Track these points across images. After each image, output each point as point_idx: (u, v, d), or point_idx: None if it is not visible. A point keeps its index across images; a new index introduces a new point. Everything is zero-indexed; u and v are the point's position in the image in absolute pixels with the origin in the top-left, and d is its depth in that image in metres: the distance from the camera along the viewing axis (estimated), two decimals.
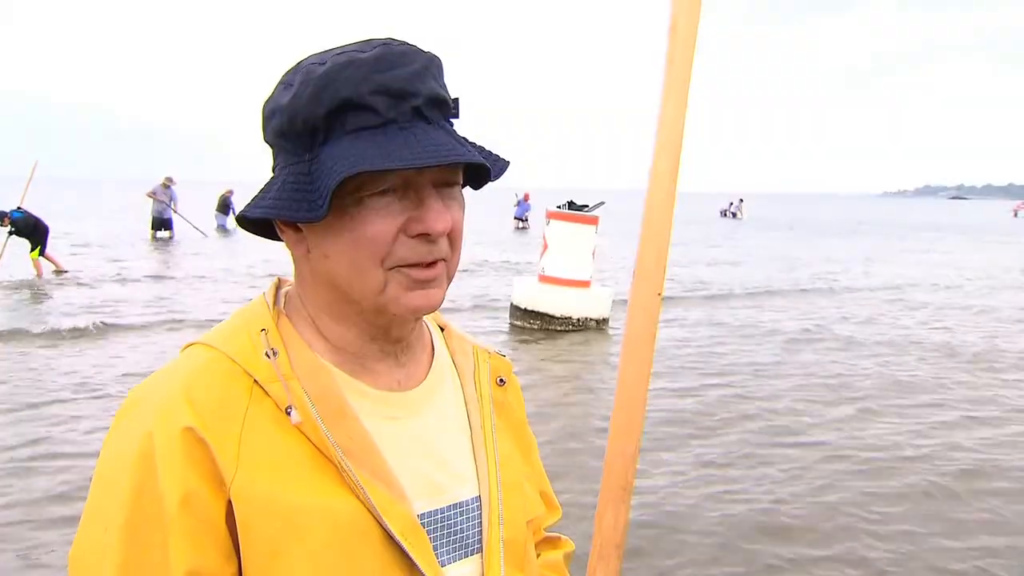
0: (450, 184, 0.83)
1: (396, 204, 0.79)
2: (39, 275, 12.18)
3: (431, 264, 0.82)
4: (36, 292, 10.96)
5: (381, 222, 0.78)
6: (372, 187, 0.78)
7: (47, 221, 12.78)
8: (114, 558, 0.74)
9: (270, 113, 0.83)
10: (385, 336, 0.88)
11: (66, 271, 12.50)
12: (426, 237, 0.80)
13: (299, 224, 0.83)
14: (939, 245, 27.41)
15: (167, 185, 19.63)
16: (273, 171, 0.85)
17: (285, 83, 0.81)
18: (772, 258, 20.02)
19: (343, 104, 0.76)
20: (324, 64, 0.78)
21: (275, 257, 14.63)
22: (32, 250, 12.31)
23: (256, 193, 0.84)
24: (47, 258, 12.44)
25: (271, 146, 0.85)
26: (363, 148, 0.75)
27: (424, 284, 0.82)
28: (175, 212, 19.99)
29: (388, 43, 0.80)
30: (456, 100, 0.84)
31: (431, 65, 0.81)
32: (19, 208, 12.36)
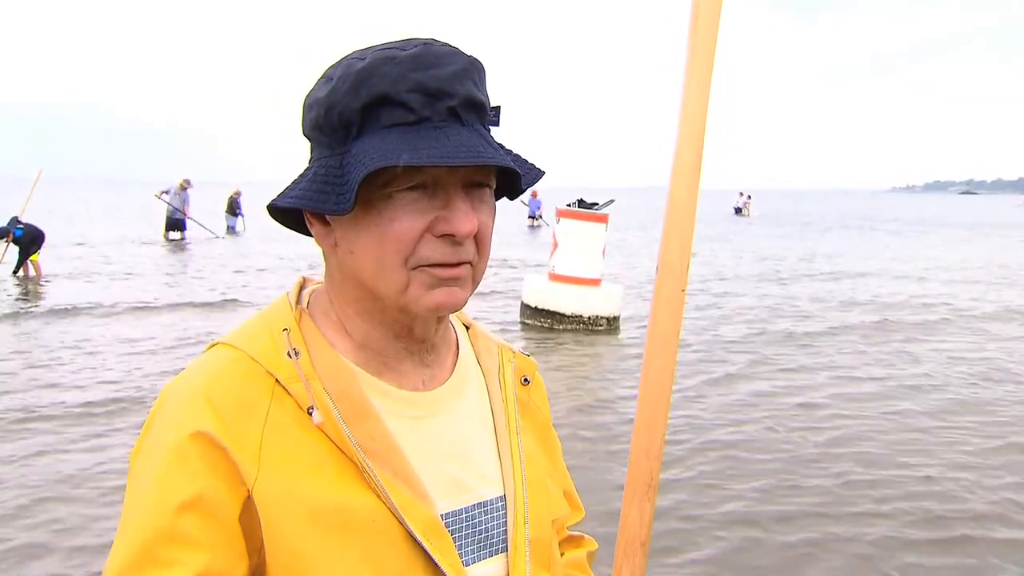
0: (480, 187, 0.82)
1: (424, 202, 0.78)
2: (39, 276, 12.51)
3: (456, 265, 0.81)
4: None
5: (407, 219, 0.78)
6: (401, 183, 0.77)
7: (49, 224, 12.89)
8: (128, 555, 0.74)
9: (309, 106, 0.83)
10: (409, 335, 0.88)
11: (42, 281, 12.61)
12: (451, 238, 0.79)
13: (327, 217, 0.83)
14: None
15: (184, 187, 19.72)
16: (308, 163, 0.84)
17: (326, 77, 0.81)
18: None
19: (379, 99, 0.76)
20: (364, 60, 0.78)
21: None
22: (31, 255, 12.56)
23: (288, 184, 0.84)
24: (34, 263, 12.64)
25: (308, 139, 0.85)
26: (394, 144, 0.75)
27: (448, 282, 0.81)
28: (187, 216, 20.07)
29: (430, 43, 0.79)
30: (497, 108, 0.84)
31: (471, 68, 0.80)
32: (20, 224, 12.46)
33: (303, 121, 0.85)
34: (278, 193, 0.84)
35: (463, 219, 0.78)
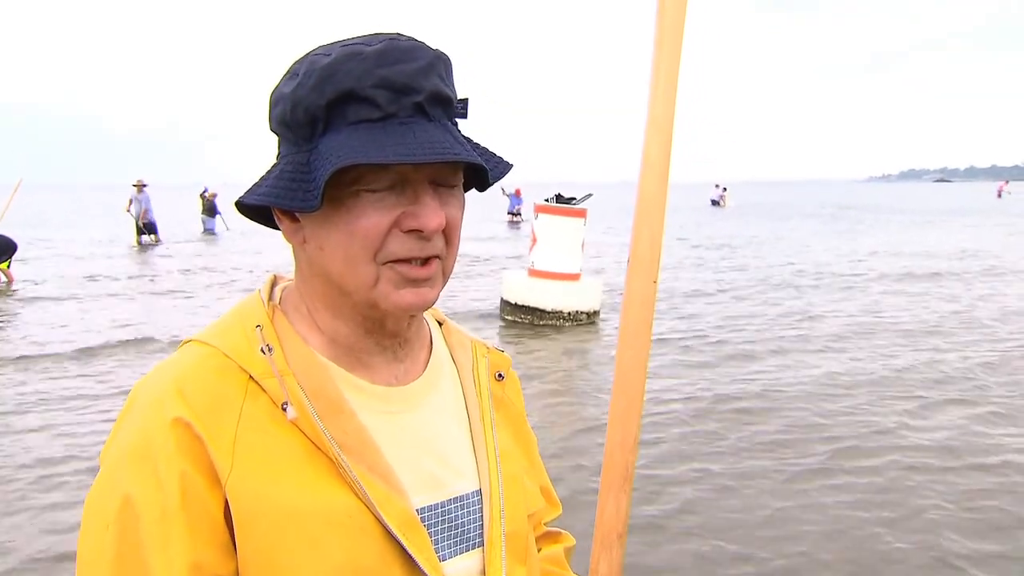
0: (449, 182, 0.82)
1: (391, 198, 0.78)
2: (10, 281, 12.40)
3: (425, 263, 0.81)
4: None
5: (375, 215, 0.78)
6: (368, 180, 0.77)
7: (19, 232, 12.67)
8: (111, 554, 0.73)
9: (275, 101, 0.83)
10: (380, 330, 0.87)
11: (15, 289, 12.45)
12: (419, 233, 0.79)
13: (296, 214, 0.82)
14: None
15: (140, 187, 19.02)
16: (276, 159, 0.84)
17: (291, 73, 0.81)
18: None
19: (345, 95, 0.76)
20: (329, 55, 0.78)
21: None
22: (1, 264, 12.49)
23: (256, 180, 0.84)
24: (4, 271, 12.55)
25: (275, 134, 0.85)
26: (360, 141, 0.75)
27: (416, 283, 0.81)
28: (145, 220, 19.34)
29: (395, 38, 0.79)
30: (464, 100, 0.84)
31: (437, 63, 0.80)
32: None
33: (269, 116, 0.84)
34: (246, 190, 0.84)
35: (431, 214, 0.78)
